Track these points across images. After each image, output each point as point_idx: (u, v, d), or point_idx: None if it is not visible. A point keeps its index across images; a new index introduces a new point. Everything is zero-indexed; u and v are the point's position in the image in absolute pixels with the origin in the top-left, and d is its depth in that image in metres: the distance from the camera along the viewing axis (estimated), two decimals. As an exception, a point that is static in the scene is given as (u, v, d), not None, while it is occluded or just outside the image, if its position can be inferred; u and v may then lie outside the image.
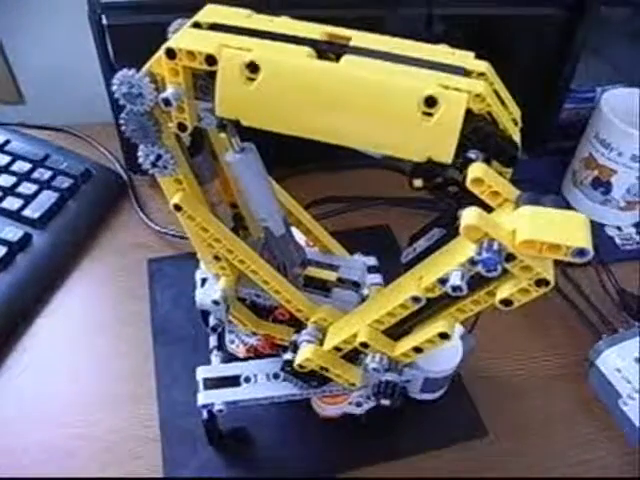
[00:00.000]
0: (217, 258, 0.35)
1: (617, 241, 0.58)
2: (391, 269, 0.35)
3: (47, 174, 0.56)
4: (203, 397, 0.37)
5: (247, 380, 0.38)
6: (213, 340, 0.41)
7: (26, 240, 0.51)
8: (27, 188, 0.54)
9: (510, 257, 0.23)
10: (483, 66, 0.25)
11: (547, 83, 0.62)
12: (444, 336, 0.29)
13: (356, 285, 0.38)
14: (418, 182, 0.26)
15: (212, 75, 0.25)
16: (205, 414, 0.38)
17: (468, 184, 0.24)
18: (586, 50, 0.60)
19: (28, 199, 0.54)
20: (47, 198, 0.54)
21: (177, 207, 0.32)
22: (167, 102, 0.27)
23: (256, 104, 0.25)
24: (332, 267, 0.38)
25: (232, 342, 0.43)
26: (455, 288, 0.25)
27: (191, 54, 0.25)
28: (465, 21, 0.56)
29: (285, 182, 0.41)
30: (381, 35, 0.27)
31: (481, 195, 0.24)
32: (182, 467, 0.40)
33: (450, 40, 0.28)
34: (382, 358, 0.32)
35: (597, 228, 0.59)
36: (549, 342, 0.49)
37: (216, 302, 0.35)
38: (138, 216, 0.57)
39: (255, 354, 0.41)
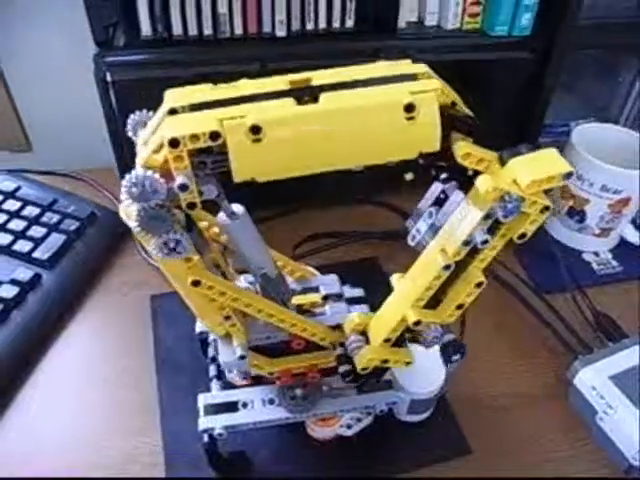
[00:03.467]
0: (227, 318, 0.36)
1: (594, 266, 0.61)
2: (380, 299, 0.39)
3: (55, 218, 0.60)
4: (204, 422, 0.40)
5: (244, 406, 0.41)
6: (213, 369, 0.44)
7: (36, 280, 0.55)
8: (37, 231, 0.58)
9: (522, 199, 0.29)
10: (423, 67, 0.30)
11: (522, 120, 0.66)
12: (480, 285, 0.34)
13: (339, 296, 0.42)
14: (409, 175, 0.32)
15: (209, 150, 0.28)
16: (206, 438, 0.40)
17: (459, 159, 0.29)
18: (560, 88, 0.65)
19: (38, 241, 0.57)
20: (55, 240, 0.58)
21: (196, 283, 0.33)
22: (184, 187, 0.28)
23: (267, 159, 0.28)
24: (313, 289, 0.41)
25: (230, 371, 0.46)
26: (484, 242, 0.31)
27: (195, 137, 0.26)
28: (443, 66, 0.60)
29: (270, 222, 0.44)
30: (330, 68, 0.31)
31: (471, 165, 0.29)
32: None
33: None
34: (435, 327, 0.36)
35: (574, 254, 0.62)
36: (530, 364, 0.52)
37: (242, 357, 0.38)
38: (140, 256, 0.60)
39: (252, 382, 0.44)
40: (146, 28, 0.53)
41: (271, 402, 0.41)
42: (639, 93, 0.69)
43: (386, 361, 0.38)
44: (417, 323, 0.34)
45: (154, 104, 0.55)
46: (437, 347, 0.45)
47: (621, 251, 0.63)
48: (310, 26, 0.56)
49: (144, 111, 0.33)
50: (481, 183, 0.29)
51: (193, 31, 0.54)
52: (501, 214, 0.29)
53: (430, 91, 0.28)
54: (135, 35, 0.54)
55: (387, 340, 0.37)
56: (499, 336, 0.54)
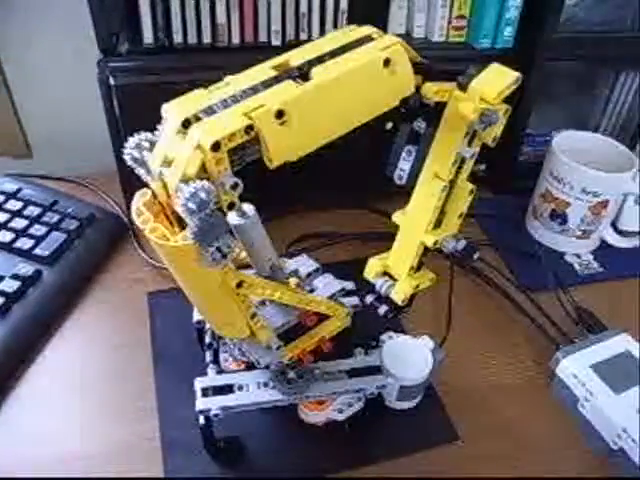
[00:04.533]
0: (253, 316, 0.37)
1: (576, 267, 0.64)
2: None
3: (55, 217, 0.62)
4: (201, 403, 0.41)
5: (240, 388, 0.43)
6: (209, 355, 0.46)
7: (37, 276, 0.56)
8: (38, 230, 0.60)
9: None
10: (371, 28, 0.34)
11: (507, 133, 0.69)
12: (472, 191, 0.41)
13: (318, 270, 0.47)
14: (389, 125, 0.37)
15: (238, 147, 0.29)
16: (202, 420, 0.42)
17: (431, 95, 0.35)
18: (541, 100, 0.68)
19: (39, 239, 0.59)
20: (56, 238, 0.60)
21: (240, 284, 0.34)
22: (236, 186, 0.29)
23: (294, 139, 0.30)
24: (293, 272, 0.43)
25: (226, 360, 0.48)
26: (472, 154, 0.39)
27: (233, 135, 0.28)
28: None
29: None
30: (301, 45, 0.34)
31: (442, 98, 0.36)
32: (181, 474, 0.44)
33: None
34: (448, 240, 0.43)
35: (557, 256, 0.65)
36: (515, 357, 0.54)
37: (279, 346, 0.40)
38: (138, 254, 0.62)
39: (245, 366, 0.46)
40: (148, 36, 0.56)
41: (265, 385, 0.43)
42: (615, 105, 0.73)
43: (417, 286, 0.45)
44: (436, 243, 0.42)
45: (155, 108, 0.58)
46: (428, 340, 0.48)
47: (602, 253, 0.65)
48: (304, 36, 0.59)
49: (142, 134, 0.32)
50: (465, 108, 0.35)
51: (193, 39, 0.57)
52: (481, 127, 0.36)
53: (396, 44, 0.33)
54: (138, 42, 0.57)
55: (411, 268, 0.44)
56: (485, 331, 0.56)
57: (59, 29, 0.69)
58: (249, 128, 0.28)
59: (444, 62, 0.62)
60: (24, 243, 0.58)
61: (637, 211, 0.63)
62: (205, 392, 0.42)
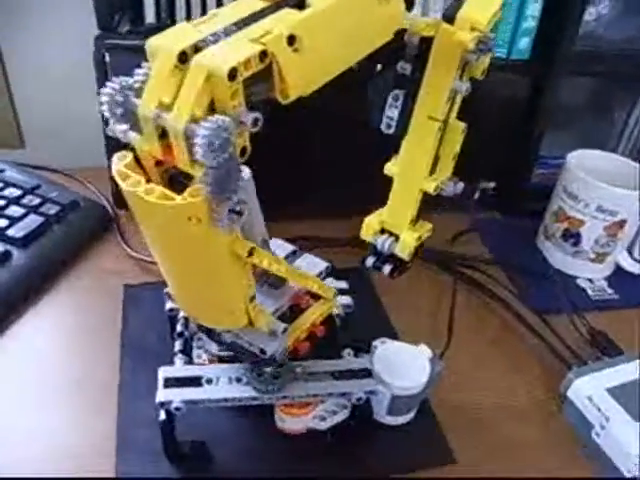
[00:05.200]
0: (252, 298, 0.34)
1: (589, 292, 0.59)
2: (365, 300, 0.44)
3: (36, 201, 0.58)
4: (162, 394, 0.36)
5: (209, 382, 0.37)
6: (178, 344, 0.41)
7: (7, 257, 0.52)
8: (14, 211, 0.56)
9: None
10: None
11: (518, 146, 0.66)
12: (464, 131, 0.40)
13: (295, 252, 0.44)
14: (378, 66, 0.36)
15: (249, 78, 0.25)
16: (162, 415, 0.37)
17: (417, 31, 0.34)
18: (555, 121, 0.65)
19: (14, 220, 0.55)
20: (32, 221, 0.56)
21: (251, 252, 0.30)
22: (257, 122, 0.25)
23: (307, 68, 0.27)
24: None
25: (199, 357, 0.43)
26: (467, 88, 0.37)
27: (248, 62, 0.24)
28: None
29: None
30: None
31: (429, 33, 0.35)
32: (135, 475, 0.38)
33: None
34: (446, 183, 0.41)
35: (569, 280, 0.60)
36: (523, 379, 0.48)
37: (285, 329, 0.36)
38: (120, 247, 0.58)
39: (217, 361, 0.41)
40: (150, 14, 0.54)
41: (238, 380, 0.38)
42: (633, 129, 0.70)
43: (419, 237, 0.42)
44: (435, 188, 0.40)
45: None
46: (425, 348, 0.43)
47: (617, 279, 0.61)
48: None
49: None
50: (462, 36, 0.34)
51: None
52: (475, 57, 0.35)
53: None
54: (139, 22, 0.55)
55: (412, 220, 0.42)
56: (491, 350, 0.51)
57: (60, 15, 0.67)
58: (264, 54, 0.25)
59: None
60: (-3, 222, 0.54)
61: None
62: (168, 383, 0.37)
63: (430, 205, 0.44)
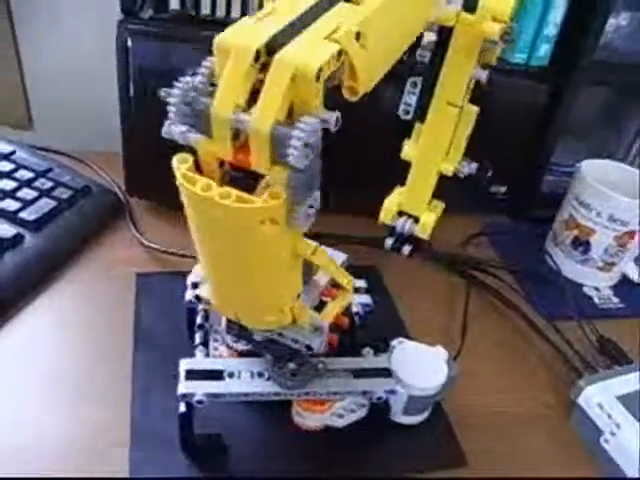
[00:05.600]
0: (299, 296, 0.34)
1: (596, 300, 0.60)
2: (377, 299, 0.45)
3: (48, 184, 0.57)
4: (184, 387, 0.36)
5: (231, 375, 0.37)
6: (199, 337, 0.41)
7: (19, 240, 0.51)
8: (27, 194, 0.55)
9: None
10: None
11: (532, 152, 0.66)
12: (476, 114, 0.42)
13: None
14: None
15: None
16: (182, 407, 0.37)
17: (445, 22, 0.36)
18: (566, 130, 0.66)
19: (26, 203, 0.54)
20: (45, 204, 0.55)
21: (314, 251, 0.31)
22: (338, 120, 0.26)
23: (373, 62, 0.28)
24: None
25: (216, 349, 0.43)
26: (487, 75, 0.38)
27: (328, 62, 0.24)
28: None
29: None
30: None
31: (449, 23, 0.36)
32: (148, 469, 0.38)
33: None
34: (462, 164, 0.43)
35: (576, 287, 0.61)
36: (532, 384, 0.49)
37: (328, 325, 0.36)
38: (132, 234, 0.58)
39: (237, 355, 0.41)
40: (175, 2, 0.53)
41: (260, 375, 0.38)
42: (644, 141, 0.71)
43: (437, 217, 0.45)
44: (454, 169, 0.42)
45: (170, 78, 0.55)
46: (442, 350, 0.43)
47: (622, 289, 0.61)
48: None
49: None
50: (490, 29, 0.35)
51: (221, 12, 0.55)
52: (499, 46, 0.36)
53: None
54: (163, 8, 0.54)
55: (429, 202, 0.45)
56: (501, 354, 0.52)
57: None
58: (340, 53, 0.25)
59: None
60: (9, 205, 0.54)
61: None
62: (190, 375, 0.37)
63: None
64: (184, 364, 0.37)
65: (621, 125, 0.71)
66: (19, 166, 0.58)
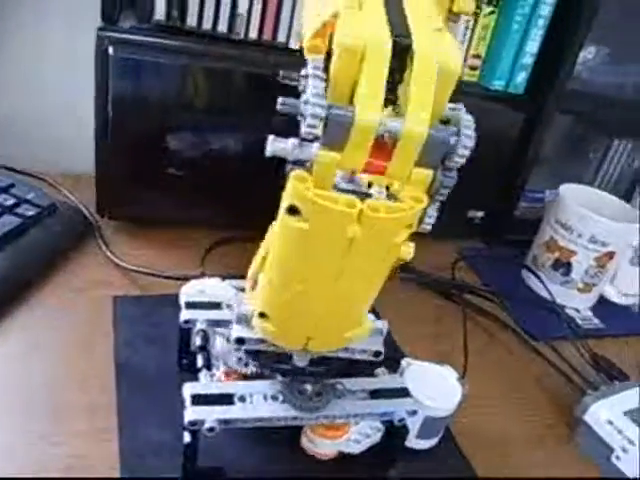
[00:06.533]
0: None
1: (578, 321, 0.60)
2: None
3: (10, 200, 0.52)
4: (192, 413, 0.32)
5: (242, 399, 0.34)
6: (201, 359, 0.37)
7: (-23, 259, 0.46)
8: (-15, 210, 0.50)
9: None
10: None
11: (506, 181, 0.68)
12: None
13: None
14: None
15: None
16: (187, 437, 0.33)
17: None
18: (536, 157, 0.68)
19: (-15, 220, 0.49)
20: (8, 222, 0.50)
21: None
22: None
23: None
24: None
25: (212, 375, 0.39)
26: None
27: None
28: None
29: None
30: None
31: None
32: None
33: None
34: None
35: (558, 308, 0.61)
36: (531, 402, 0.48)
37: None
38: (102, 255, 0.53)
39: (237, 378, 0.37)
40: (160, 13, 0.51)
41: (274, 398, 0.34)
42: (608, 168, 0.74)
43: None
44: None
45: (150, 88, 0.52)
46: (451, 370, 0.42)
47: (601, 309, 0.63)
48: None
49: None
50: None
51: (208, 25, 0.53)
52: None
53: None
54: (147, 18, 0.51)
55: None
56: (497, 374, 0.51)
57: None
58: None
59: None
60: (-33, 222, 0.48)
61: (636, 272, 0.62)
62: (197, 400, 0.33)
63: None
64: (189, 388, 0.34)
65: (586, 153, 0.75)
66: (-24, 182, 0.53)
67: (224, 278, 0.44)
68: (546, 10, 0.59)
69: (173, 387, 0.35)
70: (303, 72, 0.26)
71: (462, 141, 0.25)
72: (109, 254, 0.53)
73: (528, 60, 0.62)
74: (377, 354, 0.34)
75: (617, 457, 0.42)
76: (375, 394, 0.36)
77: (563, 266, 0.61)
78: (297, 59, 0.53)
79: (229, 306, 0.40)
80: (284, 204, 0.25)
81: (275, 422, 0.34)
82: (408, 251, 0.28)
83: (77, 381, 0.41)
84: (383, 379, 0.38)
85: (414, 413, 0.36)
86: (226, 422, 0.33)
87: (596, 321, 0.61)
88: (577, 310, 0.62)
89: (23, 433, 0.36)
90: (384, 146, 0.25)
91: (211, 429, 0.32)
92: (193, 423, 0.32)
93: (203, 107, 0.54)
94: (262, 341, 0.34)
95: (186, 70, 0.52)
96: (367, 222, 0.25)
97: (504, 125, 0.65)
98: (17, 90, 0.66)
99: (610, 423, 0.42)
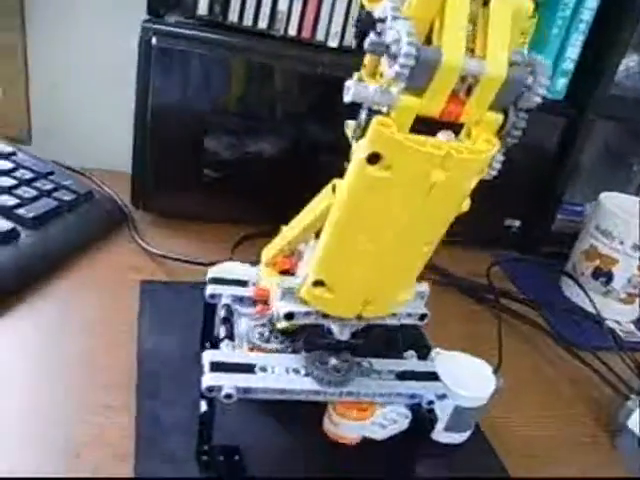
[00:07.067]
0: None
1: (619, 334, 0.57)
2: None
3: (49, 185, 0.54)
4: (210, 379, 0.31)
5: (263, 370, 0.33)
6: (223, 330, 0.36)
7: (13, 236, 0.47)
8: (25, 192, 0.51)
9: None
10: None
11: (545, 190, 0.66)
12: None
13: None
14: None
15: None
16: (204, 406, 0.32)
17: None
18: (575, 169, 0.66)
19: (25, 201, 0.50)
20: (45, 204, 0.51)
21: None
22: None
23: None
24: None
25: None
26: None
27: None
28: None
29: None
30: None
31: None
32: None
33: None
34: None
35: (600, 318, 0.58)
36: (569, 407, 0.46)
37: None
38: (134, 243, 0.54)
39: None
40: (204, 7, 0.53)
41: (296, 371, 0.33)
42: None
43: None
44: None
45: (188, 79, 0.53)
46: (484, 363, 0.40)
47: (645, 323, 0.60)
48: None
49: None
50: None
51: (248, 21, 0.54)
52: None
53: None
54: (190, 13, 0.53)
55: None
56: (534, 378, 0.48)
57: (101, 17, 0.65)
58: None
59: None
60: (6, 200, 0.49)
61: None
62: (216, 367, 0.32)
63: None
64: (208, 355, 0.33)
65: (629, 166, 0.72)
66: (19, 166, 0.54)
67: (253, 265, 0.44)
68: (587, 15, 0.59)
69: (193, 368, 0.34)
70: (377, 14, 0.26)
71: (538, 80, 0.25)
72: (140, 241, 0.54)
73: (569, 66, 0.61)
74: (423, 317, 0.34)
75: (664, 465, 0.38)
76: (403, 376, 0.35)
77: (604, 275, 0.58)
78: (335, 58, 0.55)
79: (255, 284, 0.39)
80: (362, 154, 0.25)
81: (296, 395, 0.32)
82: (467, 202, 0.29)
83: (100, 357, 0.40)
84: (412, 362, 0.36)
85: (443, 397, 0.35)
86: (245, 391, 0.31)
87: (639, 334, 0.58)
88: (618, 322, 0.59)
89: (42, 411, 0.36)
90: (455, 93, 0.25)
91: (229, 396, 0.31)
92: (210, 389, 0.31)
93: (242, 103, 0.55)
94: (309, 314, 0.32)
95: (225, 63, 0.53)
96: (451, 164, 0.25)
97: (544, 132, 0.63)
98: (60, 91, 0.68)
99: (656, 429, 0.39)
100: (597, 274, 0.59)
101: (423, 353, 0.39)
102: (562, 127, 0.63)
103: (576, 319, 0.57)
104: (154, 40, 0.51)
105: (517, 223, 0.67)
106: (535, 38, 0.60)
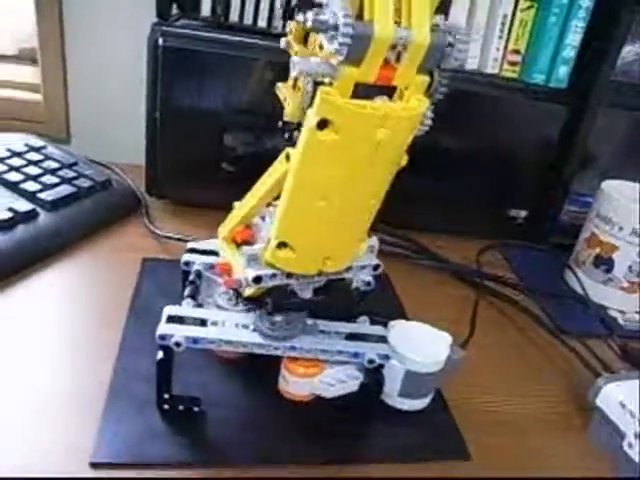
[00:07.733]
0: None
1: (620, 321, 0.56)
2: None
3: (71, 174, 0.59)
4: (163, 328, 0.34)
5: (214, 324, 0.36)
6: (188, 290, 0.39)
7: (32, 215, 0.52)
8: (48, 179, 0.57)
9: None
10: None
11: (551, 180, 0.65)
12: None
13: None
14: None
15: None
16: (160, 354, 0.35)
17: None
18: (587, 159, 0.65)
19: (46, 186, 0.56)
20: (64, 189, 0.57)
21: None
22: None
23: None
24: None
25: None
26: None
27: None
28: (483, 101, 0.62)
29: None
30: None
31: None
32: (118, 429, 0.35)
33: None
34: None
35: (600, 309, 0.57)
36: (546, 389, 0.45)
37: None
38: (144, 228, 0.58)
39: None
40: (206, 9, 0.57)
41: (245, 327, 0.36)
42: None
43: None
44: None
45: (194, 75, 0.56)
46: (446, 334, 0.41)
47: (651, 314, 0.57)
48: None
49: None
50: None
51: (248, 20, 0.58)
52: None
53: None
54: (194, 15, 0.58)
55: None
56: (512, 357, 0.48)
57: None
58: None
59: (494, 88, 0.61)
60: (30, 186, 0.55)
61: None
62: (172, 319, 0.35)
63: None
64: (168, 310, 0.36)
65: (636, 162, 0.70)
66: (47, 157, 0.61)
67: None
68: (586, 1, 0.58)
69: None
70: None
71: (457, 44, 0.28)
72: (148, 224, 0.58)
73: (570, 53, 0.61)
74: (376, 267, 0.37)
75: (629, 444, 0.38)
76: (351, 337, 0.37)
77: (604, 263, 0.57)
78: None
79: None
80: (312, 121, 0.28)
81: (242, 347, 0.35)
82: (406, 158, 0.33)
83: (97, 319, 0.45)
84: (364, 326, 0.38)
85: (386, 358, 0.36)
86: (194, 340, 0.34)
87: (643, 325, 0.56)
88: (622, 312, 0.57)
89: (39, 353, 0.41)
90: (388, 60, 0.29)
91: (177, 344, 0.34)
92: (162, 337, 0.34)
93: (251, 101, 0.59)
94: (275, 275, 0.35)
95: (228, 61, 0.57)
96: (390, 123, 0.28)
97: (547, 120, 0.63)
98: (95, 91, 0.75)
99: (622, 406, 0.39)
100: (598, 262, 0.57)
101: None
102: (565, 115, 0.62)
103: (571, 305, 0.56)
104: (160, 40, 0.56)
105: (523, 214, 0.67)
106: (534, 27, 0.60)
